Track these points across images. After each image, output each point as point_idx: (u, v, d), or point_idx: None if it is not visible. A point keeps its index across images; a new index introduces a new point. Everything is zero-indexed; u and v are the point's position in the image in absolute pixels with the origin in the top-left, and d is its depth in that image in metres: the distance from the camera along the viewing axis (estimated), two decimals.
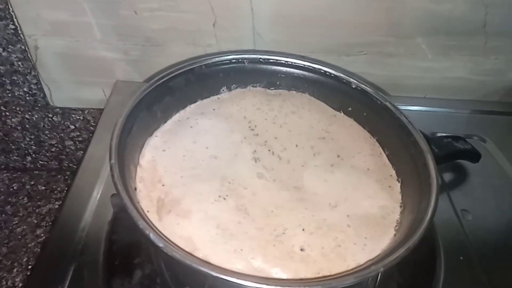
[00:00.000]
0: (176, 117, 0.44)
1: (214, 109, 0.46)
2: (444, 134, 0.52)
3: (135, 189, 0.35)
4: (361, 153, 0.43)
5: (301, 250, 0.33)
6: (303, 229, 0.35)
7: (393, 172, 0.41)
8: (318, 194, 0.38)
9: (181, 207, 0.35)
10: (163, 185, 0.37)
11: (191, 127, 0.43)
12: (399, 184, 0.40)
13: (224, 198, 0.36)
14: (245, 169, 0.39)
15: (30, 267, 0.57)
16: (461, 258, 0.42)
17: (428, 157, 0.35)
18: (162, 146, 0.41)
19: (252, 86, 0.48)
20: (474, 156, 0.48)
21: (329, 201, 0.38)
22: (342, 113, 0.47)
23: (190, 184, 0.37)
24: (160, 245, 0.27)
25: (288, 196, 0.38)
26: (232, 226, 0.34)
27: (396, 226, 0.35)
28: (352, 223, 0.36)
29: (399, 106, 0.43)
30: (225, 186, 0.37)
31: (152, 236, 0.27)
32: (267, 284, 0.27)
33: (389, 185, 0.40)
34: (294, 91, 0.48)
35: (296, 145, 0.43)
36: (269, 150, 0.42)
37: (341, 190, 0.39)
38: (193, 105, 0.45)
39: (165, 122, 0.43)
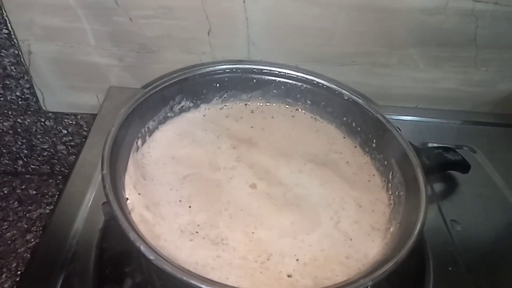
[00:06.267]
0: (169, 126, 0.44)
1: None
2: (435, 145, 0.53)
3: (127, 199, 0.35)
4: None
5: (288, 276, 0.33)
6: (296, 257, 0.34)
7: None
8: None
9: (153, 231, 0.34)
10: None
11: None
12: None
13: (197, 232, 0.35)
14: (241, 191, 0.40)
15: (19, 272, 0.56)
16: (450, 268, 0.42)
17: (417, 170, 0.36)
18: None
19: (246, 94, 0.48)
20: (464, 167, 0.49)
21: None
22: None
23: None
24: (151, 257, 0.27)
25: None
26: (211, 261, 0.33)
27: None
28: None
29: (390, 117, 0.43)
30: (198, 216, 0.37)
31: (143, 248, 0.27)
32: None
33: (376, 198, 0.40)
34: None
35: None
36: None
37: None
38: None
39: (158, 130, 0.43)
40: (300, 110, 0.49)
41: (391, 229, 0.37)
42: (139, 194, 0.36)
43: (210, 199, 0.39)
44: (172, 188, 0.39)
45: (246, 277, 0.32)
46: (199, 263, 0.33)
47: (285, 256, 0.34)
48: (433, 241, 0.44)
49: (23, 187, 0.68)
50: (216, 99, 0.48)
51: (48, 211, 0.65)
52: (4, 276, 0.55)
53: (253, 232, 0.36)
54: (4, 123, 0.64)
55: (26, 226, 0.62)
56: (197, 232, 0.35)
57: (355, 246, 0.36)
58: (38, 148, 0.68)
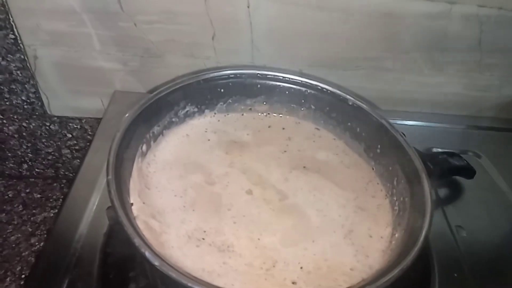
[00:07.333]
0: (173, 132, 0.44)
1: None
2: (439, 150, 0.53)
3: (132, 204, 0.35)
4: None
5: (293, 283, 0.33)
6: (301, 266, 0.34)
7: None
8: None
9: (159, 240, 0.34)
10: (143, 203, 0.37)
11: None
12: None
13: (203, 238, 0.35)
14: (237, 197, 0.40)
15: (23, 276, 0.56)
16: (456, 275, 0.42)
17: (422, 176, 0.36)
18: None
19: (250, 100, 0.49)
20: (469, 172, 0.48)
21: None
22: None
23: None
24: (156, 263, 0.27)
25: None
26: (218, 268, 0.33)
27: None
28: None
29: (395, 122, 0.43)
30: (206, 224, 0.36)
31: (147, 254, 0.28)
32: None
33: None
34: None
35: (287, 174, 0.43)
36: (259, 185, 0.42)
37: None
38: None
39: (163, 136, 0.44)
40: (303, 115, 0.49)
41: (396, 235, 0.37)
42: (143, 203, 0.36)
43: (212, 205, 0.39)
44: (176, 194, 0.39)
45: (251, 284, 0.32)
46: (205, 270, 0.32)
47: (289, 264, 0.34)
48: (438, 247, 0.43)
49: (27, 190, 0.68)
50: (221, 104, 0.48)
51: (52, 214, 0.65)
52: (8, 279, 0.56)
53: (258, 239, 0.36)
54: (10, 127, 0.65)
55: (30, 229, 0.62)
56: (203, 239, 0.35)
57: (362, 257, 0.36)
58: (43, 152, 0.68)
